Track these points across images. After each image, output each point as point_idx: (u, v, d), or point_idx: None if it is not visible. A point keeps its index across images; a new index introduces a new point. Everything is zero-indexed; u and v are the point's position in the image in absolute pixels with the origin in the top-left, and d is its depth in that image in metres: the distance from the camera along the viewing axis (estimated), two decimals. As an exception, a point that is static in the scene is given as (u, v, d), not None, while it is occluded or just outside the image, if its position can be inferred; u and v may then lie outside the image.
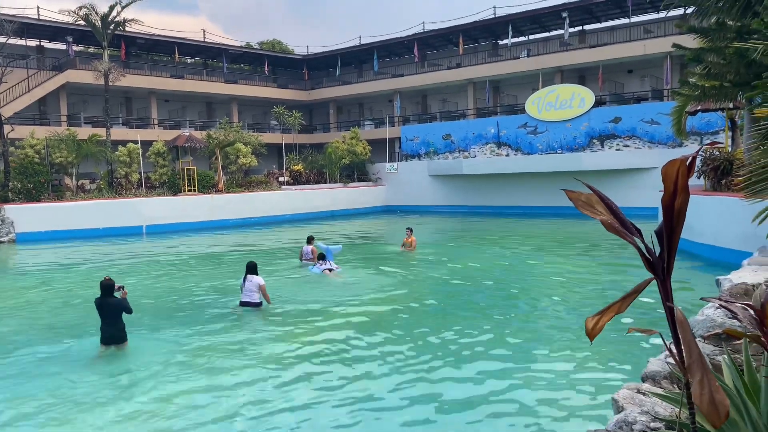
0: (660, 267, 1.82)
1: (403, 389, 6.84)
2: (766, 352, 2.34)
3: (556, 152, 32.45)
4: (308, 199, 33.89)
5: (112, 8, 30.26)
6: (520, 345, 8.42)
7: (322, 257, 14.30)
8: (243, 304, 10.62)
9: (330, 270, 13.92)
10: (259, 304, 10.57)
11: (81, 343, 8.98)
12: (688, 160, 1.74)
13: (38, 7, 35.11)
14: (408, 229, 18.65)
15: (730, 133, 19.56)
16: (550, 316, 10.04)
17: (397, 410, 6.26)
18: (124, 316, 8.42)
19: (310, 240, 16.22)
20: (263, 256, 17.92)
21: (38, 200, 25.99)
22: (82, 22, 30.74)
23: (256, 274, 10.64)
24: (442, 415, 6.10)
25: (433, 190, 36.80)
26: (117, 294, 8.42)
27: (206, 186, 30.83)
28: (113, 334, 8.33)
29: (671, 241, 1.81)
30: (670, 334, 1.89)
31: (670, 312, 1.80)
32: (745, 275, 6.73)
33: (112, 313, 8.28)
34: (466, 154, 36.24)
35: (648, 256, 1.83)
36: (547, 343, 8.43)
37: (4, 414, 6.41)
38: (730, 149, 17.96)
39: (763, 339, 2.31)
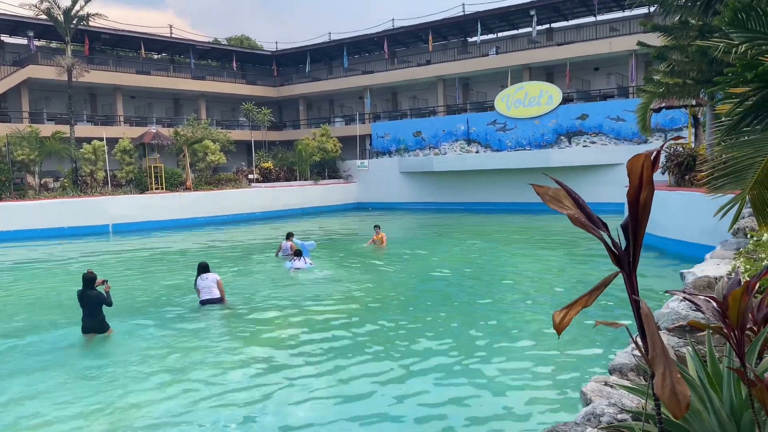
0: (626, 261, 1.84)
1: (371, 384, 6.84)
2: (728, 343, 2.38)
3: (525, 149, 32.80)
4: (278, 196, 33.65)
5: (74, 2, 29.55)
6: (489, 339, 8.49)
7: (298, 253, 14.51)
8: (204, 302, 10.55)
9: (297, 269, 14.09)
10: (221, 299, 10.59)
11: (55, 336, 8.82)
12: (653, 155, 1.76)
13: (-3, 1, 34.17)
14: (376, 226, 18.82)
15: (693, 130, 20.01)
16: (520, 310, 10.15)
17: (363, 405, 6.26)
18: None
19: (289, 236, 16.45)
20: (235, 254, 17.82)
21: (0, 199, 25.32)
22: (43, 16, 29.92)
23: (209, 272, 10.70)
24: (408, 411, 6.11)
25: (404, 187, 36.88)
26: (100, 288, 8.89)
27: (174, 184, 30.37)
28: (93, 325, 8.80)
29: (637, 235, 1.83)
30: (636, 327, 1.91)
31: (636, 305, 1.82)
32: (708, 268, 6.89)
33: (92, 305, 8.73)
34: (436, 151, 36.39)
35: (614, 249, 1.85)
36: (516, 337, 8.52)
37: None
38: (693, 145, 18.36)
39: (725, 330, 2.36)
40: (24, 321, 10.45)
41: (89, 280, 8.82)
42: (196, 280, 10.66)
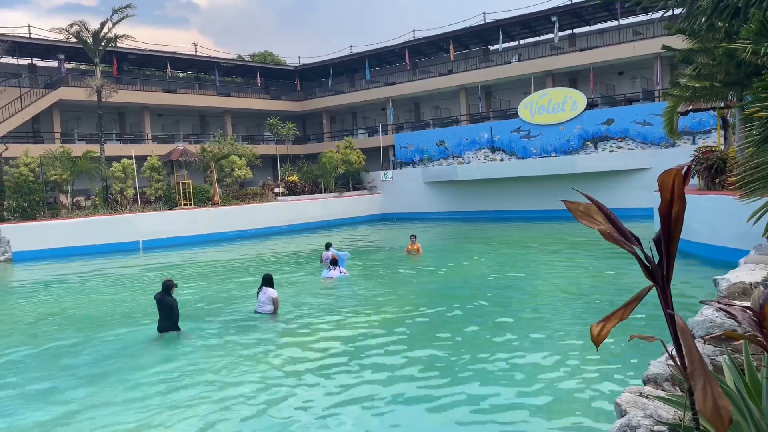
0: (659, 275, 1.84)
1: (406, 394, 6.85)
2: (765, 353, 2.36)
3: (550, 156, 32.56)
4: (303, 209, 33.89)
5: (103, 25, 30.31)
6: (523, 350, 8.44)
7: (334, 262, 15.19)
8: (258, 312, 11.40)
9: (330, 277, 14.82)
10: (272, 313, 11.35)
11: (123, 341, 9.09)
12: (684, 169, 1.77)
13: (29, 26, 35.20)
14: (412, 236, 19.25)
15: (722, 132, 19.68)
16: (552, 321, 10.06)
17: (399, 414, 6.27)
18: None
19: (328, 246, 17.17)
20: (271, 266, 18.45)
21: (34, 218, 25.93)
22: (73, 40, 30.75)
23: (272, 286, 11.44)
24: (442, 421, 6.11)
25: (429, 196, 36.86)
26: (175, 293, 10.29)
27: (202, 199, 30.80)
28: (167, 325, 10.03)
29: (669, 249, 1.84)
30: (672, 340, 1.91)
31: (670, 319, 1.83)
32: (743, 274, 6.78)
33: (168, 308, 9.94)
34: (460, 160, 36.33)
35: (647, 264, 1.86)
36: (550, 348, 8.44)
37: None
38: (722, 148, 18.06)
39: (762, 340, 2.34)
40: (112, 321, 11.83)
41: (167, 286, 10.04)
42: (259, 289, 11.49)
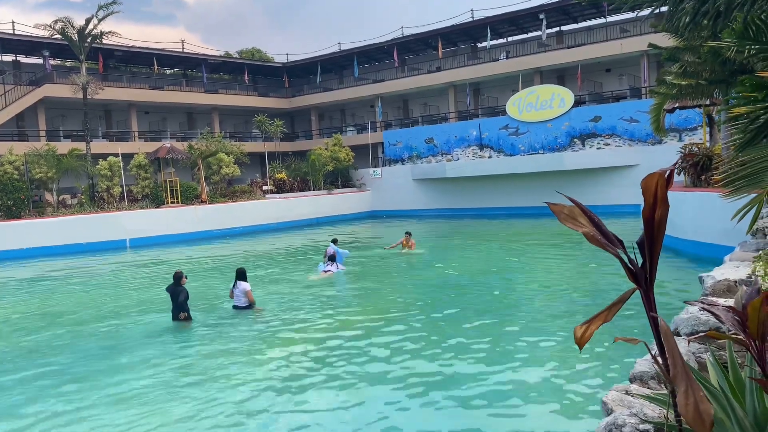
0: (643, 277, 1.85)
1: (397, 391, 6.86)
2: (748, 353, 2.38)
3: (538, 153, 32.69)
4: (292, 207, 33.81)
5: (88, 21, 29.98)
6: (509, 348, 8.47)
7: (332, 258, 15.50)
8: (235, 308, 11.63)
9: (327, 271, 15.13)
10: (249, 307, 11.54)
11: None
12: (666, 173, 1.78)
13: (13, 22, 34.80)
14: (407, 233, 19.56)
15: (708, 129, 19.85)
16: (538, 318, 10.11)
17: (387, 411, 6.26)
18: None
19: (334, 242, 17.40)
20: (260, 263, 18.48)
21: (19, 217, 25.67)
22: (58, 36, 30.38)
23: (245, 280, 11.61)
24: (430, 419, 6.11)
25: (418, 194, 36.89)
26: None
27: (189, 197, 30.63)
28: (179, 314, 10.69)
29: (653, 251, 1.85)
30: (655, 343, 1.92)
31: (654, 322, 1.84)
32: (728, 271, 6.81)
33: (180, 298, 10.62)
34: (449, 157, 36.38)
35: (631, 267, 1.86)
36: (536, 346, 8.48)
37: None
38: (708, 145, 18.21)
39: (745, 340, 2.35)
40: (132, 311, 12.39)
41: (178, 278, 10.73)
42: (233, 285, 11.66)
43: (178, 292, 10.70)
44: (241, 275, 11.61)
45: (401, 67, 43.83)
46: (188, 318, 10.80)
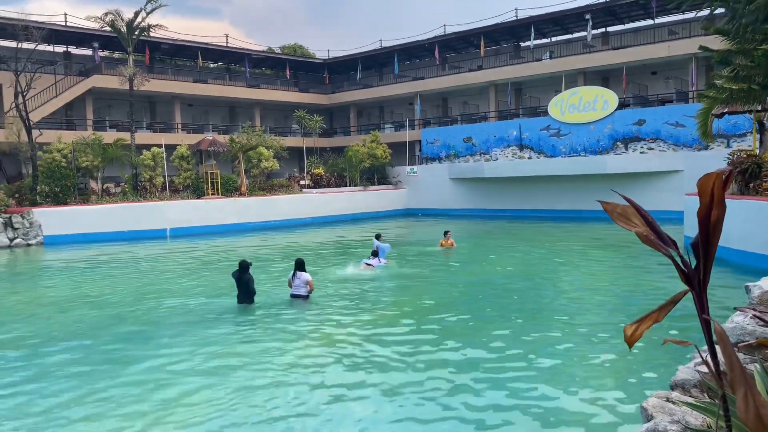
0: (696, 280, 1.81)
1: (431, 391, 6.84)
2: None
3: (580, 155, 32.17)
4: (328, 202, 34.05)
5: (137, 14, 30.71)
6: (549, 351, 8.36)
7: (375, 253, 15.91)
8: (293, 296, 11.93)
9: (369, 265, 15.47)
10: (307, 297, 11.86)
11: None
12: (725, 174, 1.74)
13: (65, 14, 35.95)
14: (446, 231, 19.98)
15: (758, 136, 19.23)
16: (579, 321, 9.96)
17: (421, 411, 6.27)
18: None
19: (378, 237, 17.84)
20: (310, 253, 18.94)
21: (65, 203, 26.46)
22: (108, 28, 31.23)
23: (304, 270, 11.93)
24: (466, 421, 6.09)
25: (454, 193, 36.71)
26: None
27: (229, 189, 31.14)
28: (245, 299, 11.40)
29: (707, 253, 1.81)
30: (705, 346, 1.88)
31: (706, 324, 1.80)
32: (776, 282, 6.61)
33: (245, 284, 11.32)
34: (487, 157, 36.09)
35: (684, 268, 1.83)
36: (576, 350, 8.36)
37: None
38: (758, 152, 17.66)
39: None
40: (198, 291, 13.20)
41: (245, 266, 11.35)
42: (292, 275, 11.94)
43: (243, 279, 11.33)
44: (300, 265, 11.93)
45: (442, 65, 43.62)
46: (252, 302, 11.43)
